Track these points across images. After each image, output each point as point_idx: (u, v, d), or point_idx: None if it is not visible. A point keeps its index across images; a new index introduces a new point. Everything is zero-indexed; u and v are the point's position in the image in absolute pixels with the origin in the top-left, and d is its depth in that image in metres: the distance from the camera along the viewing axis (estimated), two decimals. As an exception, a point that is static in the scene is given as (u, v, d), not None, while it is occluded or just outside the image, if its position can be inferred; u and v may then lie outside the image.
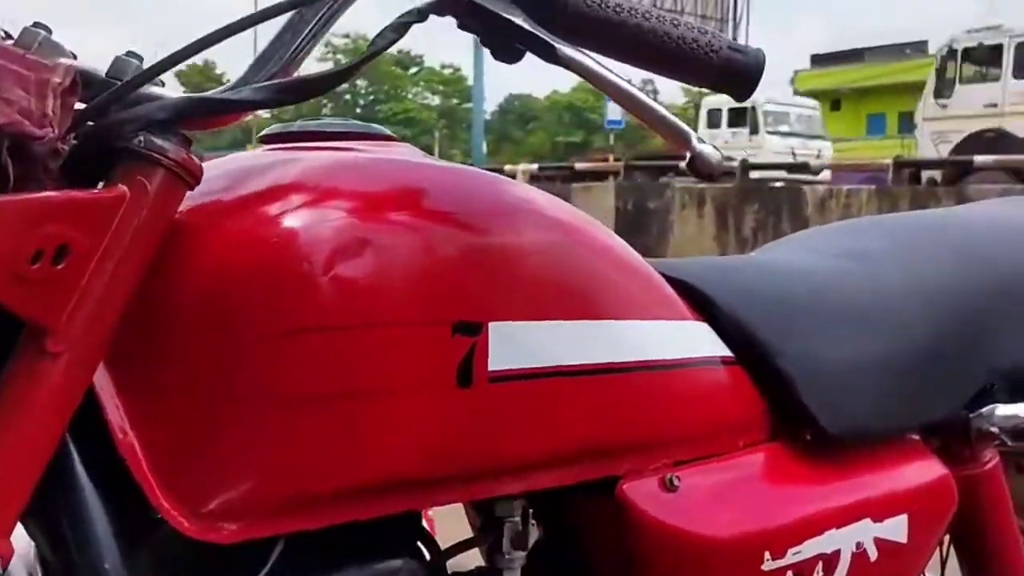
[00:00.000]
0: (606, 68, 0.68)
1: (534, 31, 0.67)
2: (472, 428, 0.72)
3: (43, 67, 0.56)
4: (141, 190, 0.59)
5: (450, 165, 0.82)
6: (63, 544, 0.63)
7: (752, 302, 0.96)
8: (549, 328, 0.76)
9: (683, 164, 0.70)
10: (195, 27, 0.65)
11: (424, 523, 0.84)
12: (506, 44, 0.70)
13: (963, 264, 1.08)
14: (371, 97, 48.33)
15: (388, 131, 0.83)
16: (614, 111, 19.41)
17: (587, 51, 0.69)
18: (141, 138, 0.60)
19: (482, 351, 0.71)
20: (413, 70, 49.06)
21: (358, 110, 48.47)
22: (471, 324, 0.71)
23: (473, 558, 0.89)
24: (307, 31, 0.69)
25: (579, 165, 12.74)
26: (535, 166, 14.96)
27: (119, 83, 0.63)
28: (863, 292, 1.03)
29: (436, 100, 50.22)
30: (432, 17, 0.69)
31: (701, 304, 0.93)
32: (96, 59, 0.65)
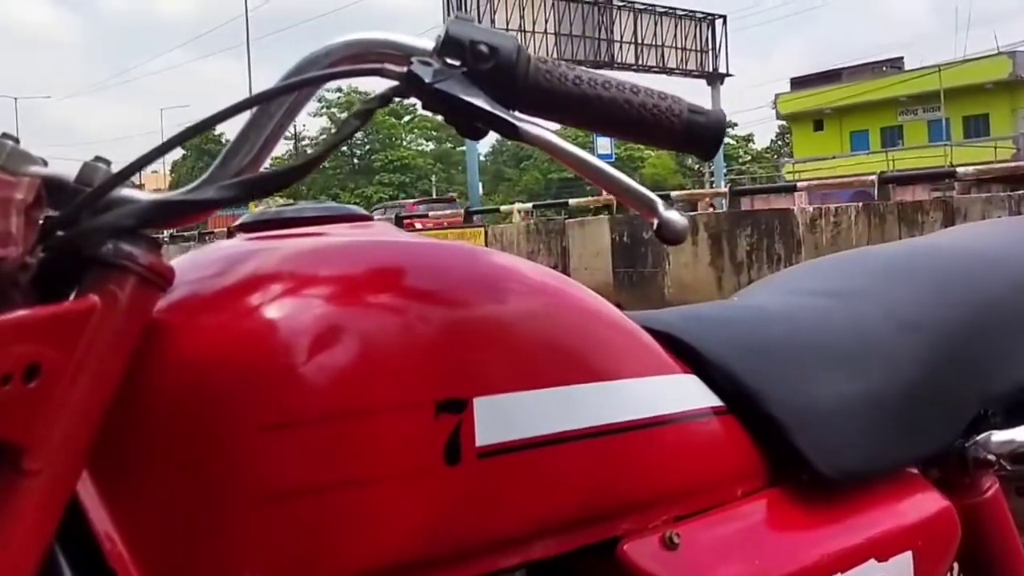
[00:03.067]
0: (569, 143, 0.69)
1: (495, 111, 0.68)
2: (465, 505, 0.72)
3: (6, 184, 0.56)
4: (112, 298, 0.59)
5: (424, 240, 0.82)
6: (56, 657, 0.63)
7: (738, 350, 0.96)
8: (535, 397, 0.76)
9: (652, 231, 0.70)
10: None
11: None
12: (470, 124, 0.71)
13: (943, 294, 1.08)
14: (367, 147, 48.67)
15: (363, 211, 0.83)
16: (603, 146, 19.52)
17: (549, 124, 0.70)
18: (110, 246, 0.60)
19: (468, 427, 0.71)
20: (406, 118, 49.42)
21: (355, 160, 48.78)
22: (455, 401, 0.71)
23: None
24: (271, 125, 0.70)
25: (572, 201, 12.78)
26: (529, 204, 15.05)
27: (87, 190, 0.63)
28: (846, 331, 1.03)
29: (431, 145, 50.57)
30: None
31: (688, 355, 0.93)
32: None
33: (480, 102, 0.68)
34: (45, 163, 0.70)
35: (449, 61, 0.69)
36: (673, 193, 11.15)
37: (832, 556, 0.89)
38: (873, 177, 9.00)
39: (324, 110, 45.05)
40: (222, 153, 0.70)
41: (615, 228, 10.25)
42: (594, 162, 0.68)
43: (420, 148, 50.14)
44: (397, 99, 0.70)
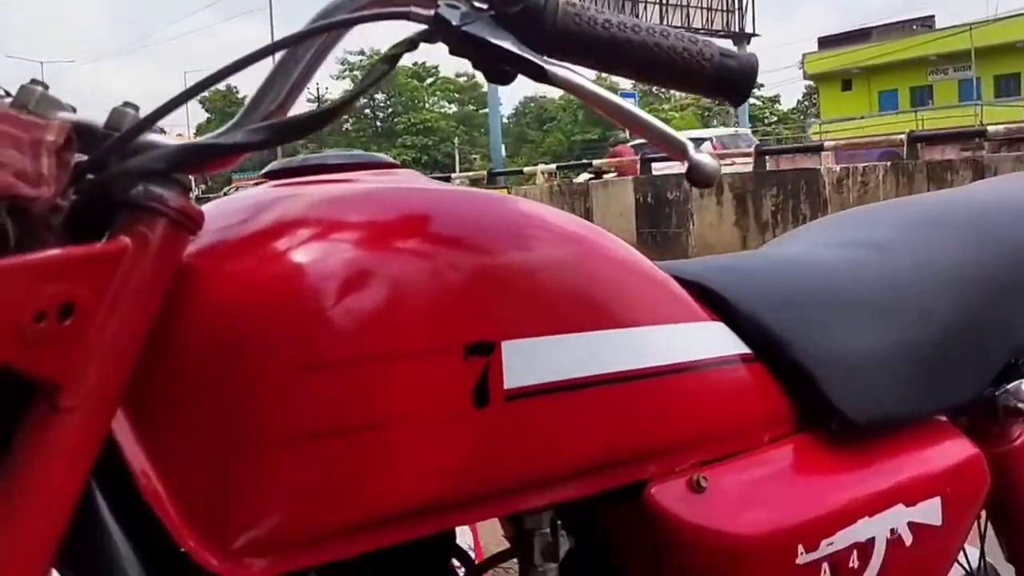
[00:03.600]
0: (597, 86, 0.68)
1: (523, 54, 0.68)
2: (493, 447, 0.72)
3: (36, 126, 0.56)
4: (143, 240, 0.59)
5: (452, 188, 0.82)
6: (96, 590, 0.64)
7: (766, 298, 0.95)
8: (562, 341, 0.76)
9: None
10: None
11: (469, 534, 0.85)
12: (498, 67, 0.71)
13: (975, 244, 1.07)
14: (389, 110, 48.57)
15: (390, 159, 0.83)
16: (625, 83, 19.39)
17: (578, 68, 0.69)
18: (140, 188, 0.60)
19: (496, 370, 0.72)
20: (429, 81, 49.24)
21: (377, 124, 48.74)
22: (482, 344, 0.71)
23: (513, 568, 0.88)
24: (298, 70, 0.70)
25: (596, 162, 12.71)
26: (553, 166, 14.96)
27: (116, 135, 0.64)
28: (877, 280, 1.03)
29: (453, 108, 50.41)
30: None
31: (716, 304, 0.92)
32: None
33: (508, 45, 0.67)
34: (74, 110, 0.70)
35: (477, 4, 0.68)
36: (698, 153, 11.04)
37: (859, 500, 0.89)
38: (902, 136, 8.87)
39: (347, 72, 44.95)
40: (249, 98, 0.70)
41: (639, 189, 10.20)
42: (625, 105, 0.68)
43: (442, 111, 49.96)
44: (425, 43, 0.70)
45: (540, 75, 0.67)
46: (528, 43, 0.68)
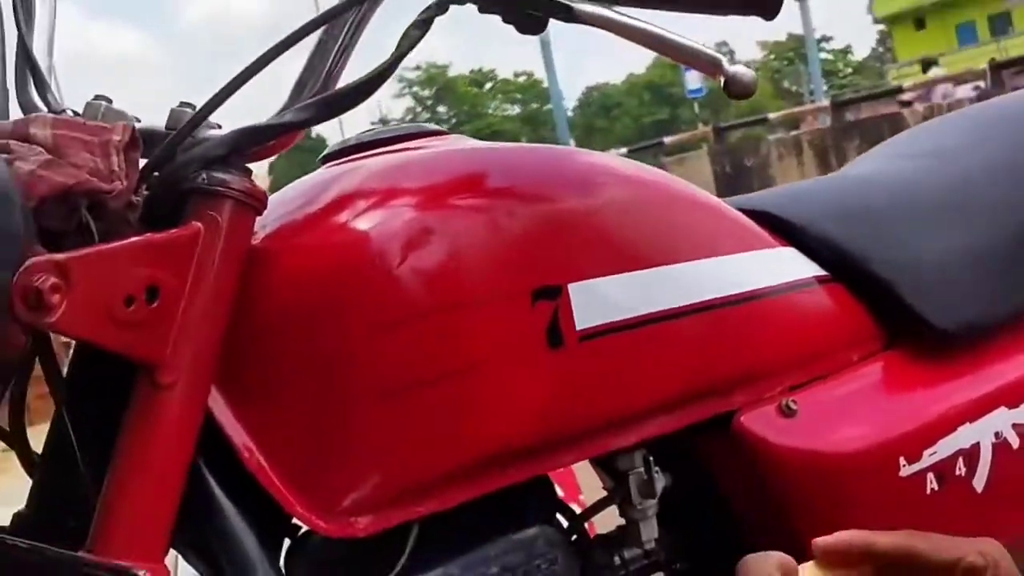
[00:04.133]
0: (626, 15, 0.69)
1: None
2: (575, 387, 0.74)
3: (103, 130, 0.60)
4: (213, 223, 0.63)
5: (503, 144, 0.84)
6: (218, 565, 0.68)
7: (836, 218, 0.94)
8: (631, 279, 0.77)
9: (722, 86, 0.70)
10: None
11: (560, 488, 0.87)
12: (527, 16, 0.72)
13: None
14: (453, 120, 48.94)
15: (437, 127, 0.86)
16: (693, 80, 19.07)
17: (605, 5, 0.70)
18: (204, 176, 0.64)
19: (566, 312, 0.73)
20: (488, 85, 49.45)
21: (443, 136, 49.00)
22: (549, 288, 0.72)
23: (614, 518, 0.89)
24: (336, 48, 0.72)
25: (668, 140, 12.57)
26: (624, 149, 14.85)
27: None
28: (950, 187, 1.00)
29: (516, 109, 50.50)
30: (468, 18, 0.71)
31: (785, 230, 0.92)
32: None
33: None
34: (138, 120, 0.74)
35: None
36: (772, 115, 10.85)
37: (958, 408, 0.88)
38: (983, 67, 8.53)
39: (406, 90, 45.48)
40: (294, 83, 0.73)
41: (716, 160, 10.04)
42: (655, 31, 0.68)
43: (505, 113, 50.08)
44: (454, 5, 0.72)
45: (567, 14, 0.68)
46: None
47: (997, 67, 8.36)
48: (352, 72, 0.72)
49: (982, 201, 0.99)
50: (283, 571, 0.70)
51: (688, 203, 0.87)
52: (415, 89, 46.37)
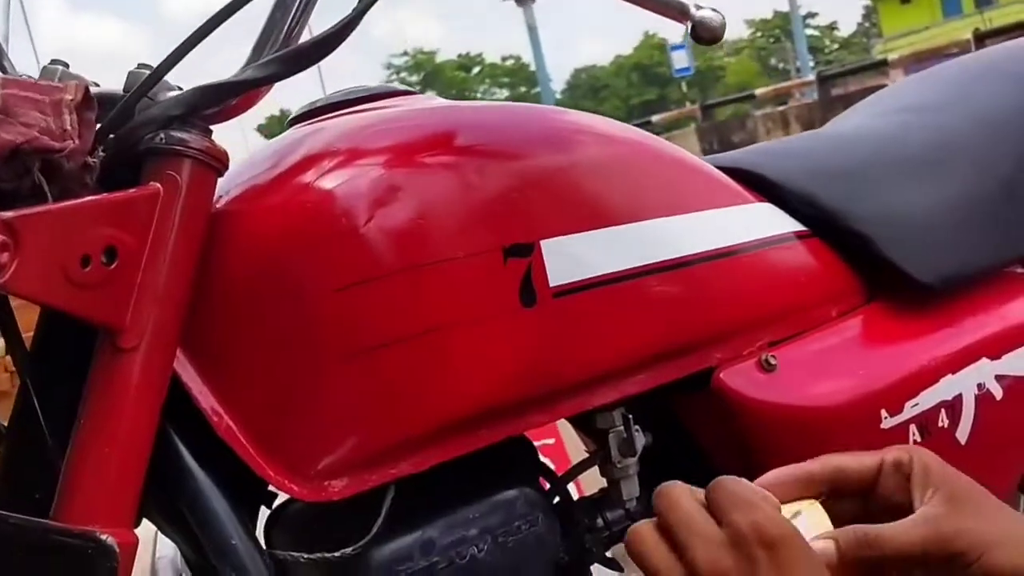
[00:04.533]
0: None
1: None
2: (549, 345, 0.73)
3: (54, 89, 0.59)
4: (172, 183, 0.61)
5: (474, 103, 0.83)
6: (190, 530, 0.67)
7: (814, 174, 0.93)
8: (604, 235, 0.76)
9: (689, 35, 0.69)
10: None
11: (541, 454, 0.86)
12: None
13: None
14: (441, 106, 48.66)
15: (405, 87, 0.84)
16: (680, 60, 19.04)
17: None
18: (162, 135, 0.62)
19: (539, 269, 0.72)
20: (475, 70, 49.30)
21: (429, 121, 49.01)
22: (521, 246, 0.71)
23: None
24: (298, 4, 0.71)
25: (655, 118, 12.56)
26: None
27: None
28: (929, 140, 1.00)
29: (504, 92, 50.38)
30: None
31: (763, 187, 0.91)
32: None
33: None
34: (97, 84, 0.73)
35: None
36: (758, 91, 10.83)
37: (939, 360, 0.87)
38: (968, 37, 8.52)
39: (394, 76, 45.28)
40: (255, 40, 0.71)
41: (704, 137, 10.03)
42: None
43: (494, 97, 49.97)
44: None
45: None
46: None
47: (981, 37, 8.36)
48: (315, 28, 0.71)
49: (963, 154, 0.98)
50: (260, 540, 0.69)
51: (663, 159, 0.85)
52: (403, 75, 46.16)
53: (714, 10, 0.66)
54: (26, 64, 0.77)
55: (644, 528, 0.50)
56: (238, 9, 0.65)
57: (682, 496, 0.49)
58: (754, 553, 0.45)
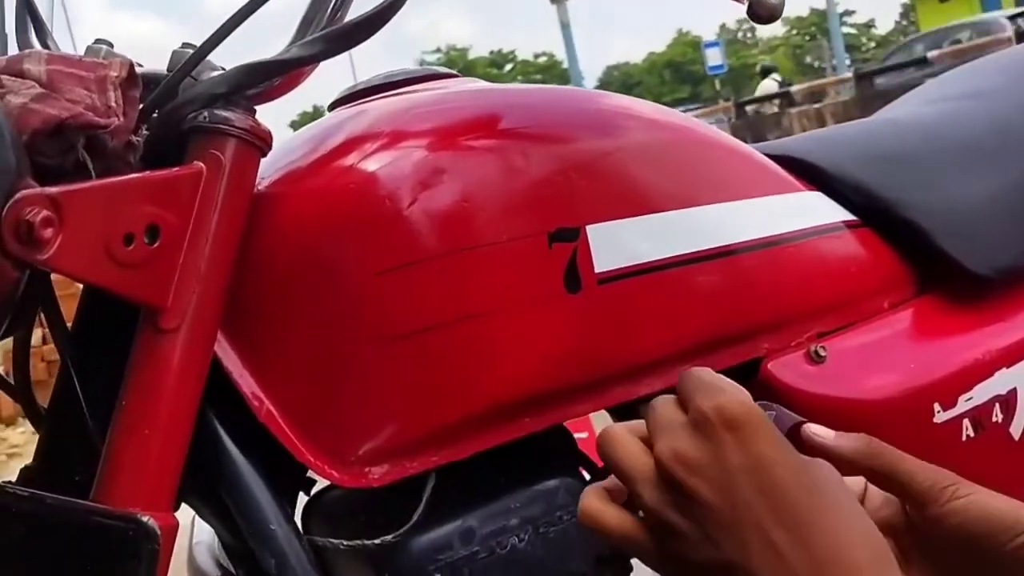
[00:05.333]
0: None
1: None
2: (593, 332, 0.71)
3: (99, 66, 0.58)
4: (216, 162, 0.61)
5: (517, 85, 0.81)
6: (228, 515, 0.66)
7: (865, 163, 0.91)
8: (652, 222, 0.74)
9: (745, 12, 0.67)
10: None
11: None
12: None
13: None
14: (475, 104, 48.74)
15: (449, 70, 0.83)
16: (714, 57, 18.88)
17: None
18: (205, 114, 0.61)
19: (584, 255, 0.70)
20: (508, 67, 49.32)
21: (463, 120, 49.22)
22: (567, 230, 0.70)
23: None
24: None
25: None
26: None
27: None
28: (982, 129, 0.97)
29: (537, 89, 50.28)
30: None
31: (812, 175, 0.89)
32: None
33: None
34: (140, 64, 0.72)
35: None
36: (794, 87, 10.73)
37: (994, 353, 0.84)
38: (1008, 33, 8.39)
39: (429, 73, 45.31)
40: (300, 19, 0.70)
41: (737, 134, 9.91)
42: None
43: (529, 94, 49.89)
44: None
45: None
46: None
47: (1022, 33, 8.22)
48: (359, 7, 0.70)
49: (1017, 142, 0.95)
50: (299, 526, 0.68)
51: (711, 146, 0.84)
52: (435, 72, 46.22)
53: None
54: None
55: (615, 428, 0.49)
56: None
57: (658, 399, 0.49)
58: (718, 435, 0.45)
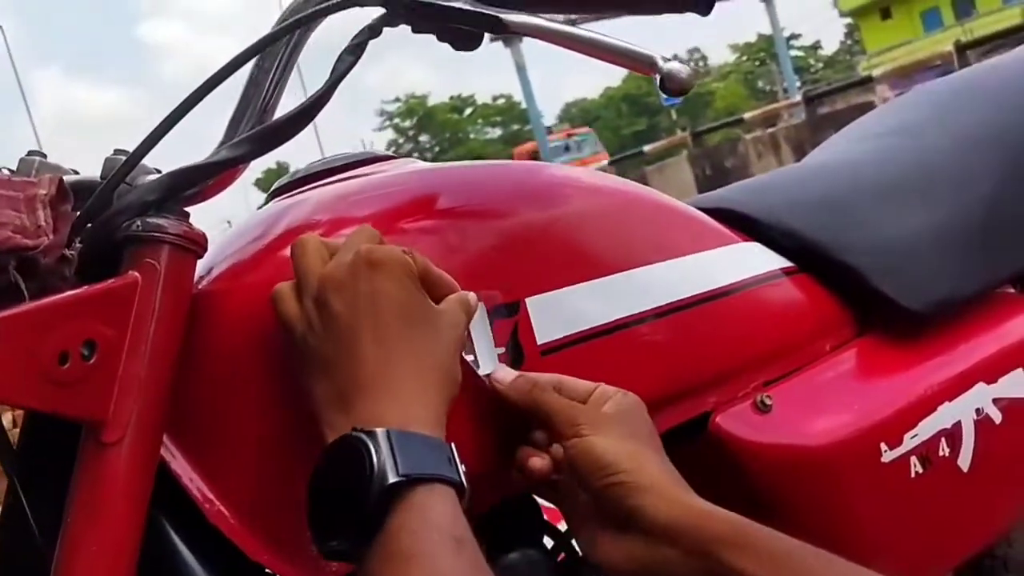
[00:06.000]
0: (556, 22, 0.68)
1: (479, 10, 0.68)
2: None
3: (27, 184, 0.59)
4: (151, 270, 0.61)
5: (453, 164, 0.83)
6: (186, 619, 0.66)
7: (798, 208, 0.93)
8: (591, 288, 0.76)
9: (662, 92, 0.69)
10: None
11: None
12: (459, 32, 0.71)
13: (1008, 111, 1.03)
14: (436, 149, 49.11)
15: (386, 152, 0.84)
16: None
17: (535, 13, 0.69)
18: (138, 223, 0.62)
19: (526, 327, 0.72)
20: (468, 111, 49.67)
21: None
22: (505, 306, 0.71)
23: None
24: (269, 81, 0.71)
25: (647, 148, 12.63)
26: (605, 161, 14.94)
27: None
28: (910, 165, 1.00)
29: (497, 131, 50.73)
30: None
31: (747, 225, 0.91)
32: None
33: (461, 4, 0.68)
34: (76, 172, 0.73)
35: None
36: (747, 115, 10.89)
37: (936, 388, 0.86)
38: (949, 49, 8.59)
39: (387, 122, 45.65)
40: (229, 120, 0.72)
41: (695, 163, 10.08)
42: (586, 35, 0.67)
43: (487, 136, 50.30)
44: (386, 27, 0.71)
45: (498, 25, 0.67)
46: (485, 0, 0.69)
47: (962, 48, 8.43)
48: (288, 104, 0.71)
49: (944, 177, 0.98)
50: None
51: (646, 206, 0.85)
52: (396, 121, 46.52)
53: (681, 61, 0.66)
54: (25, 135, 0.77)
55: (312, 239, 0.65)
56: (212, 89, 0.65)
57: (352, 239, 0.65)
58: (360, 269, 0.61)
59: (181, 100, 0.66)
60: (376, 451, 0.54)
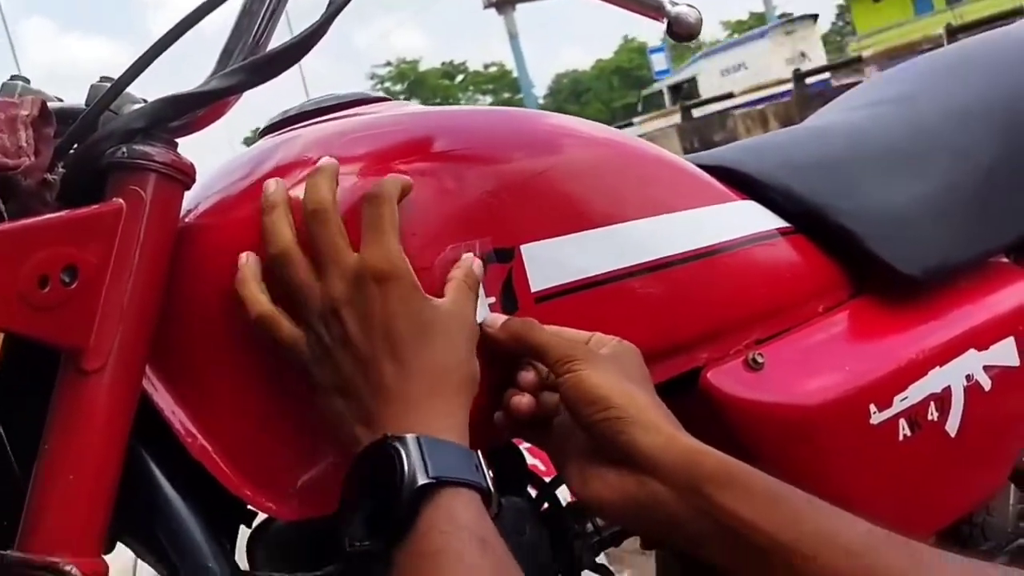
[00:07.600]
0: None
1: None
2: None
3: (9, 105, 0.57)
4: (136, 198, 0.60)
5: (448, 108, 0.81)
6: (166, 554, 0.65)
7: (796, 170, 0.92)
8: (586, 238, 0.75)
9: (665, 33, 0.67)
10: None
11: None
12: None
13: (1003, 83, 1.02)
14: (426, 115, 48.75)
15: (381, 94, 0.82)
16: (659, 62, 19.08)
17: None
18: (124, 149, 0.60)
19: (520, 274, 0.70)
20: (459, 78, 49.40)
21: (415, 132, 49.45)
22: (501, 251, 0.70)
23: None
24: (263, 12, 0.69)
25: (637, 120, 12.60)
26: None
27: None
28: (910, 132, 0.99)
29: (488, 99, 50.50)
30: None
31: (744, 184, 0.90)
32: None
33: None
34: (60, 99, 0.71)
35: None
36: (736, 91, 10.87)
37: (927, 352, 0.86)
38: (940, 32, 8.59)
39: (378, 86, 45.30)
40: (221, 50, 0.70)
41: (684, 137, 10.07)
42: None
43: (478, 103, 50.11)
44: None
45: None
46: None
47: (953, 32, 8.43)
48: (280, 37, 0.69)
49: (941, 145, 0.97)
50: (236, 561, 0.67)
51: (644, 160, 0.84)
52: (387, 85, 46.18)
53: (690, 5, 0.64)
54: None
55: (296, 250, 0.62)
56: (201, 18, 0.64)
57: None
58: (367, 286, 0.60)
59: (170, 27, 0.64)
60: (407, 455, 0.56)
